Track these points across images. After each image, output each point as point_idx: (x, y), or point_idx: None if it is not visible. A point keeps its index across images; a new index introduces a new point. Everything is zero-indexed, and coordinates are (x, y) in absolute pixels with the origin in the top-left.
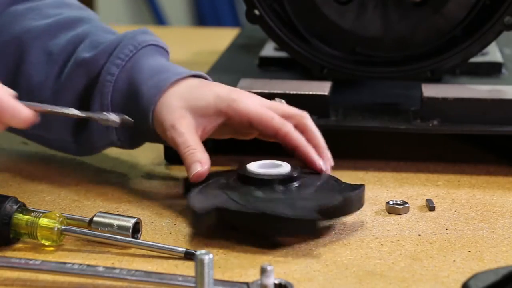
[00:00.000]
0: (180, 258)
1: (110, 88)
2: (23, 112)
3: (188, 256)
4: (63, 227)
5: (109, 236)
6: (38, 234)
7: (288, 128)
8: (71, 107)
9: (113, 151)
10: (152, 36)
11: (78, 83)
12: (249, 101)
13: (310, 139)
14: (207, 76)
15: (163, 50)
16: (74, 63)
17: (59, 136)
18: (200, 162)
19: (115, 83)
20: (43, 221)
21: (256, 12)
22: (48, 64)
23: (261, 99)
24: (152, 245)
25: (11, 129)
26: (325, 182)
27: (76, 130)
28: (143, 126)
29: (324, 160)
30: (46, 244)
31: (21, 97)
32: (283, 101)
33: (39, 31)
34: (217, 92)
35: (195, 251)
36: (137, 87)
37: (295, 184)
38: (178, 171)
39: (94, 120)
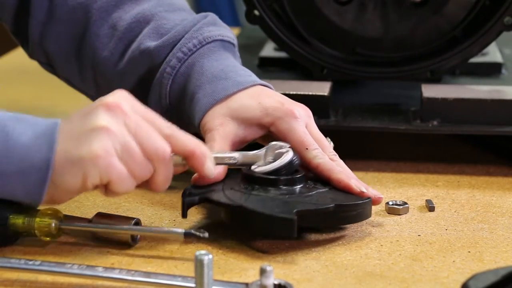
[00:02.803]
0: (180, 259)
1: (169, 80)
2: (212, 172)
3: (188, 236)
4: (61, 222)
5: (107, 226)
6: (36, 231)
7: (321, 160)
8: (132, 90)
9: None
10: (220, 28)
11: (141, 69)
12: (293, 124)
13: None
14: (269, 85)
15: (229, 45)
16: (138, 50)
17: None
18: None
19: (174, 77)
20: (39, 218)
21: (256, 12)
22: (113, 40)
23: (308, 122)
24: (151, 229)
25: (80, 90)
26: (331, 189)
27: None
28: (189, 123)
29: (368, 190)
30: (46, 240)
31: (86, 67)
32: (331, 144)
33: (104, 0)
34: (265, 106)
35: (194, 232)
36: (193, 88)
37: (298, 186)
38: None
39: None
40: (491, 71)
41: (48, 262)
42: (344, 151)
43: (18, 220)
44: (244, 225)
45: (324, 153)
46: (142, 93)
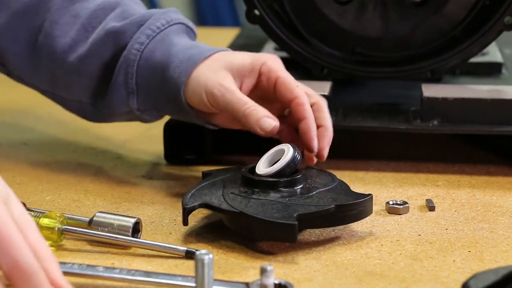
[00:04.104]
0: (180, 258)
1: (137, 57)
2: None
3: (189, 255)
4: (63, 226)
5: (109, 236)
6: None
7: (305, 100)
8: (95, 75)
9: (113, 151)
10: (182, 16)
11: (105, 51)
12: (280, 65)
13: (320, 119)
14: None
15: (191, 32)
16: (103, 31)
17: (78, 97)
18: (269, 116)
19: (143, 53)
20: (44, 221)
21: (256, 12)
22: (75, 28)
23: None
24: (154, 244)
25: (32, 85)
26: (331, 188)
27: (97, 93)
28: (172, 97)
29: (320, 144)
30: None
31: (42, 59)
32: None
33: None
34: (251, 54)
35: (196, 251)
36: (167, 59)
37: (298, 187)
38: (178, 171)
39: None
40: (491, 71)
41: None
42: (344, 151)
43: None
44: (245, 231)
45: (308, 98)
46: (106, 79)
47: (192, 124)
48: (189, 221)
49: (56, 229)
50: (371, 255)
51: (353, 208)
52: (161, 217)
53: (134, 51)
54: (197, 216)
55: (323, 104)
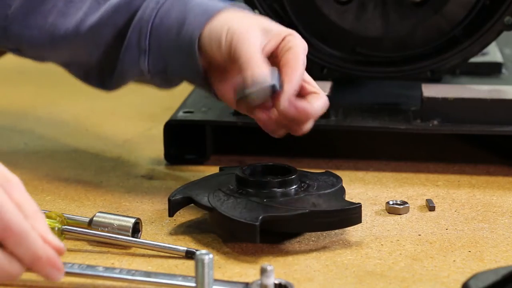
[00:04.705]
0: (180, 258)
1: (152, 16)
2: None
3: (189, 255)
4: (63, 226)
5: (109, 236)
6: None
7: (301, 67)
8: (109, 43)
9: (113, 151)
10: None
11: (120, 18)
12: (301, 44)
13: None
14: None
15: None
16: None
17: (98, 63)
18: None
19: (158, 11)
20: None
21: (257, 12)
22: (88, 2)
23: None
24: (154, 244)
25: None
26: (325, 193)
27: (112, 58)
28: (185, 54)
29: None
30: None
31: (57, 36)
32: None
33: None
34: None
35: (196, 251)
36: (182, 14)
37: (290, 188)
38: (178, 171)
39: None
40: (491, 71)
41: None
42: (344, 151)
43: None
44: (218, 229)
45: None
46: (117, 45)
47: (192, 124)
48: (189, 221)
49: (56, 229)
50: (371, 255)
51: (331, 215)
52: (161, 217)
53: (148, 10)
54: (197, 216)
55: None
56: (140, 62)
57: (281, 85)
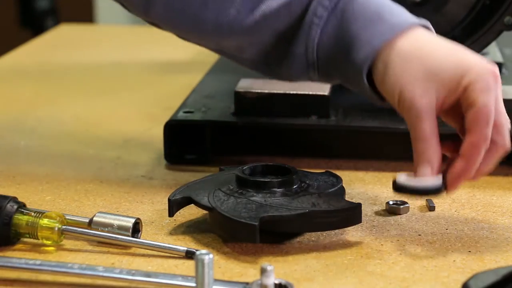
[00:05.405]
0: (180, 258)
1: (317, 32)
2: None
3: (189, 255)
4: (63, 226)
5: (109, 236)
6: (38, 234)
7: (481, 143)
8: (268, 43)
9: (113, 151)
10: None
11: (277, 23)
12: (486, 84)
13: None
14: (429, 24)
15: None
16: (275, 2)
17: (251, 57)
18: (430, 163)
19: (323, 27)
20: (44, 221)
21: None
22: None
23: (496, 86)
24: (154, 244)
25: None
26: (325, 193)
27: (271, 57)
28: (354, 79)
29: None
30: (47, 243)
31: (208, 32)
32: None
33: None
34: (456, 59)
35: (196, 251)
36: (350, 37)
37: (291, 188)
38: (178, 171)
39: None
40: None
41: (48, 262)
42: (344, 151)
43: (22, 221)
44: (217, 229)
45: (484, 142)
46: (280, 46)
47: (192, 124)
48: (189, 221)
49: (56, 229)
50: (371, 255)
51: (332, 215)
52: (161, 217)
53: (313, 26)
54: (197, 216)
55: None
56: (310, 73)
57: (446, 187)
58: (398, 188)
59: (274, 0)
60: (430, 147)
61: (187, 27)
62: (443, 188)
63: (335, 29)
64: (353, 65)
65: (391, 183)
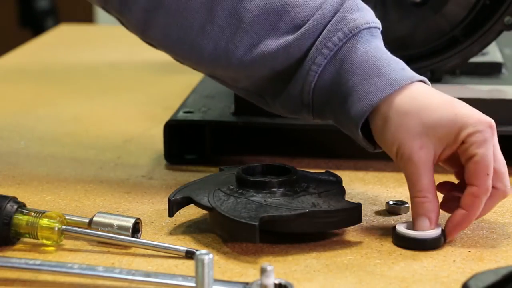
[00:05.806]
0: (180, 258)
1: (315, 77)
2: None
3: (189, 255)
4: (63, 226)
5: (109, 236)
6: (38, 234)
7: (482, 194)
8: (264, 78)
9: (113, 151)
10: (365, 13)
11: (275, 63)
12: (489, 137)
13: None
14: (426, 79)
15: (375, 30)
16: (274, 44)
17: (244, 87)
18: (428, 217)
19: (321, 74)
20: (44, 221)
21: None
22: (238, 33)
23: (492, 137)
24: (153, 244)
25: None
26: (325, 193)
27: (265, 90)
28: (348, 128)
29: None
30: (47, 243)
31: (204, 61)
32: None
33: None
34: (453, 112)
35: (196, 251)
36: (347, 88)
37: (291, 188)
38: (178, 171)
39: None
40: (491, 71)
41: (48, 262)
42: (344, 151)
43: (21, 221)
44: (217, 229)
45: (485, 193)
46: (276, 83)
47: (192, 124)
48: (189, 221)
49: (56, 229)
50: (371, 255)
51: (332, 215)
52: (161, 217)
53: (311, 72)
54: (197, 216)
55: (499, 196)
56: (303, 112)
57: (445, 237)
58: (398, 238)
59: (273, 40)
60: (428, 200)
61: (183, 53)
62: (443, 239)
63: (333, 77)
64: (348, 116)
65: (391, 183)
